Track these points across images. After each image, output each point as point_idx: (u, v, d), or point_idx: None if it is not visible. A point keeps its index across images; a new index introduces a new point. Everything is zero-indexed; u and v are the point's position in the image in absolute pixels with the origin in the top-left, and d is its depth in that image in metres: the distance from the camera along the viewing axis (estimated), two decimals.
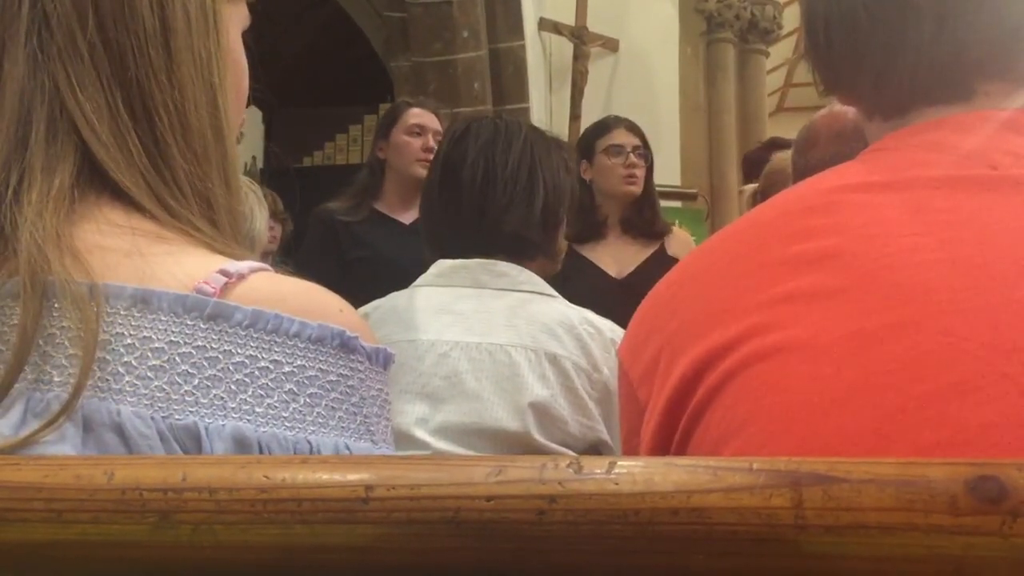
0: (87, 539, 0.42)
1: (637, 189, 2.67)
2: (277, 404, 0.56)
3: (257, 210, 1.87)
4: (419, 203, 1.63)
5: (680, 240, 2.75)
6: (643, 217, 2.70)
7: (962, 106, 0.70)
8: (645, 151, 2.71)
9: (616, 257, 2.68)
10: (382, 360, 0.62)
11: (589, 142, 2.75)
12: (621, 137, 2.71)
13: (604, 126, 2.77)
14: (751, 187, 2.65)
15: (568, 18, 5.41)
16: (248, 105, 0.75)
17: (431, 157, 2.58)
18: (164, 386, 0.54)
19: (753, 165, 2.97)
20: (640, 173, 2.68)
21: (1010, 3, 0.69)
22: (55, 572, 0.44)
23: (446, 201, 1.51)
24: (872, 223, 0.63)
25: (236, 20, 0.71)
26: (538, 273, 1.52)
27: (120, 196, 0.61)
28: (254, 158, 6.16)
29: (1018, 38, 0.69)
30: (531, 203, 1.49)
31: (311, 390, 0.57)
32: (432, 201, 1.55)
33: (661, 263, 2.57)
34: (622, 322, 0.76)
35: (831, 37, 0.75)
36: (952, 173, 0.64)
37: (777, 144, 2.82)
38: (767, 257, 0.65)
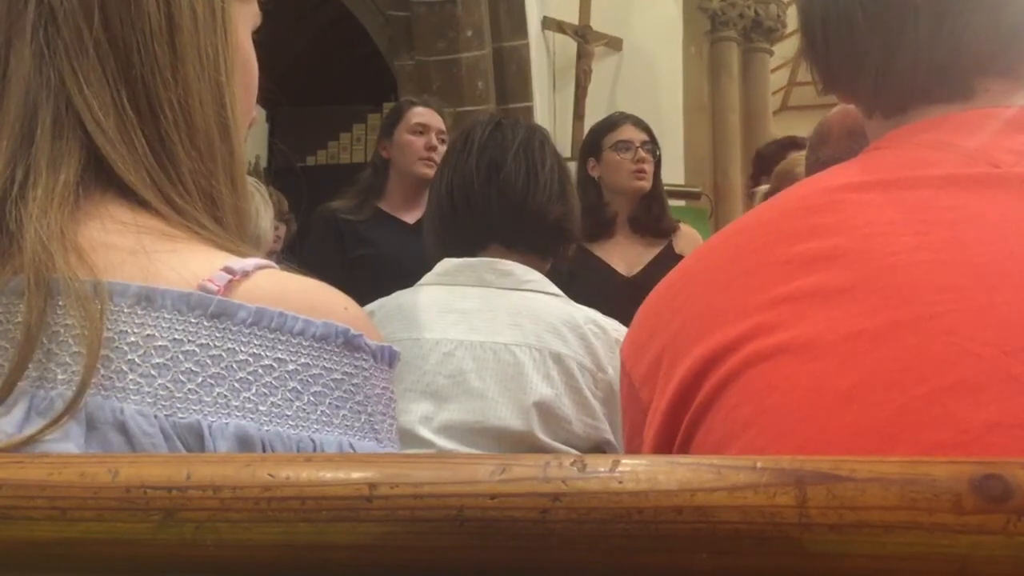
0: (91, 537, 0.42)
1: (646, 184, 2.66)
2: (280, 402, 0.56)
3: (262, 210, 1.87)
4: (431, 199, 1.63)
5: (687, 238, 2.73)
6: (651, 214, 2.69)
7: (962, 104, 0.69)
8: (653, 146, 2.70)
9: (625, 255, 2.67)
10: (387, 358, 0.62)
11: (596, 139, 2.74)
12: (629, 133, 2.70)
13: (611, 123, 2.76)
14: (763, 188, 2.64)
15: (572, 17, 5.41)
16: None
17: (434, 156, 2.59)
18: (167, 384, 0.54)
19: (764, 162, 2.95)
20: (649, 168, 2.66)
21: (1009, 1, 0.69)
22: (59, 570, 0.44)
23: (490, 190, 1.51)
24: (875, 222, 0.63)
25: (246, 18, 0.71)
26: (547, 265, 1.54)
27: (125, 193, 0.61)
28: (258, 157, 6.16)
29: (1018, 36, 0.69)
30: (565, 198, 1.54)
31: (315, 388, 0.57)
32: (470, 193, 1.54)
33: (668, 261, 2.56)
34: (631, 321, 0.76)
35: (829, 37, 0.75)
36: (955, 172, 0.64)
37: (793, 143, 2.79)
38: (769, 256, 0.65)
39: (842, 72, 0.76)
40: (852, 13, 0.72)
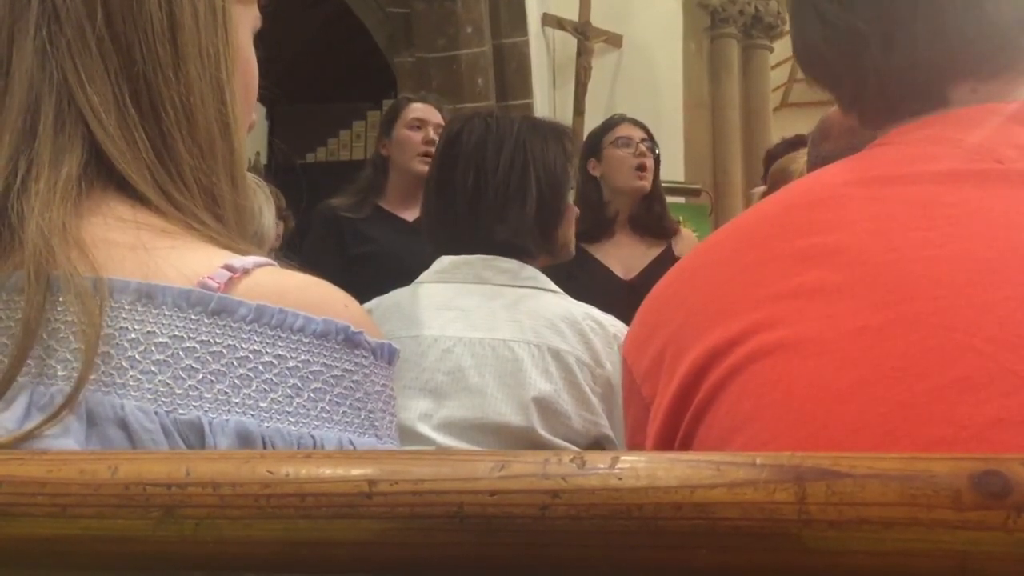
0: (91, 534, 0.42)
1: (647, 184, 2.67)
2: (281, 399, 0.56)
3: (265, 207, 1.87)
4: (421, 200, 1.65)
5: (687, 241, 2.74)
6: (652, 213, 2.70)
7: (942, 112, 0.70)
8: (652, 144, 2.72)
9: (624, 257, 2.67)
10: (387, 355, 0.62)
11: (596, 139, 2.76)
12: (628, 130, 2.72)
13: (610, 123, 2.79)
14: (760, 189, 2.64)
15: (572, 14, 5.40)
16: None
17: (432, 150, 2.59)
18: (168, 381, 0.54)
19: (774, 161, 2.96)
20: (650, 164, 2.67)
21: (950, 12, 0.69)
22: (59, 567, 0.44)
23: (442, 207, 1.52)
24: (877, 218, 0.63)
25: (247, 20, 0.71)
26: (546, 263, 1.53)
27: (126, 189, 0.61)
28: (258, 154, 6.16)
29: (970, 39, 0.69)
30: (524, 204, 1.49)
31: (315, 385, 0.57)
32: (430, 205, 1.56)
33: (667, 264, 2.55)
34: (629, 323, 0.76)
35: (811, 66, 0.77)
36: (958, 167, 0.64)
37: (802, 141, 2.79)
38: (772, 252, 0.65)
39: (834, 95, 0.77)
40: (817, 46, 0.74)
